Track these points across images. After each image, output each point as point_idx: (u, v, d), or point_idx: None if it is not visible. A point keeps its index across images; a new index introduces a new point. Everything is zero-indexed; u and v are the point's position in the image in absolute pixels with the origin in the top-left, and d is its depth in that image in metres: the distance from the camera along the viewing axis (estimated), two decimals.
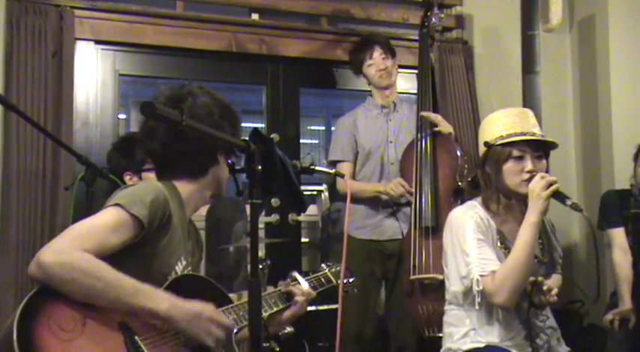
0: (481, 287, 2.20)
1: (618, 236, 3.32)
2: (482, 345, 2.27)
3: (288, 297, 2.06)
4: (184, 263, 1.87)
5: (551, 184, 2.17)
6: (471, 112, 4.08)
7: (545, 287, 2.20)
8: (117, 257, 1.68)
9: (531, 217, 2.18)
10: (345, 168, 3.42)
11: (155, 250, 1.77)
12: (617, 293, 3.27)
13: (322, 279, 2.24)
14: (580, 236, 4.44)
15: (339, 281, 2.25)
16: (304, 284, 2.11)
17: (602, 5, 4.23)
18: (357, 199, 3.37)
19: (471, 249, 2.24)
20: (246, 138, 1.57)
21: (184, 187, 1.90)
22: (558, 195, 2.20)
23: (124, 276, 1.64)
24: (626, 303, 3.16)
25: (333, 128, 3.69)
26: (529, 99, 3.98)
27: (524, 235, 2.19)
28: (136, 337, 1.65)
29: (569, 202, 2.18)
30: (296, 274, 2.13)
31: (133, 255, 1.72)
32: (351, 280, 2.34)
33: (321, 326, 3.47)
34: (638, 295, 2.70)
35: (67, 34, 3.30)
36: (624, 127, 4.12)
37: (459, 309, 2.36)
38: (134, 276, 1.67)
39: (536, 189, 2.17)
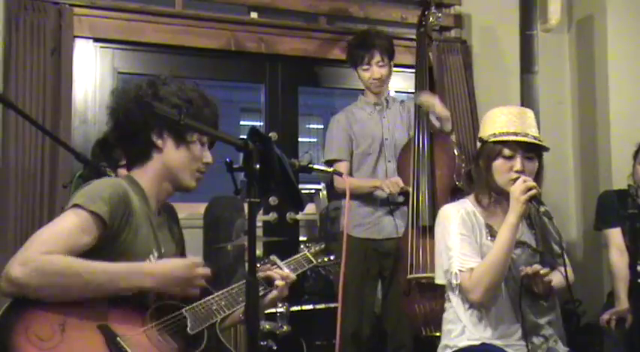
0: (458, 281, 2.26)
1: (615, 236, 3.32)
2: (477, 343, 2.28)
3: (268, 282, 2.04)
4: (156, 254, 1.84)
5: (530, 189, 2.19)
6: (469, 112, 4.09)
7: (541, 272, 2.21)
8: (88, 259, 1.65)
9: (510, 218, 2.22)
10: (342, 167, 3.42)
11: (121, 247, 1.74)
12: (614, 293, 3.28)
13: (302, 261, 2.23)
14: (577, 236, 4.46)
15: (319, 261, 2.27)
16: (284, 268, 2.10)
17: (601, 5, 4.24)
18: (354, 196, 3.37)
19: (454, 243, 2.29)
20: (245, 137, 1.57)
21: (141, 177, 1.87)
22: (535, 201, 2.22)
23: (97, 264, 1.62)
24: (623, 303, 3.17)
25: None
26: (527, 99, 3.99)
27: (503, 235, 2.23)
28: (118, 338, 1.63)
29: (542, 209, 2.21)
30: (275, 258, 2.12)
31: (99, 255, 1.68)
32: (331, 257, 2.35)
33: (318, 325, 3.48)
34: (635, 295, 2.70)
35: (65, 31, 3.30)
36: (622, 127, 4.13)
37: (454, 307, 2.37)
38: None
39: (516, 192, 2.21)
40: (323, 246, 2.35)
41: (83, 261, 1.61)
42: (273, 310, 2.08)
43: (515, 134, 2.29)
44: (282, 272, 2.06)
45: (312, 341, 3.55)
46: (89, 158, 2.47)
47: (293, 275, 2.09)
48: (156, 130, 1.84)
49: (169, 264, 1.78)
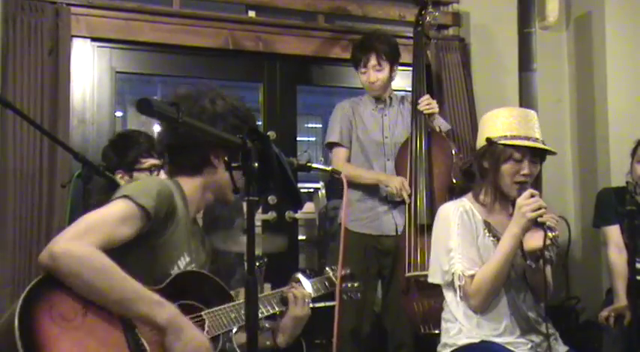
0: (460, 283, 2.27)
1: (613, 233, 3.33)
2: (477, 340, 2.29)
3: (285, 301, 2.06)
4: (187, 259, 1.87)
5: (539, 209, 2.18)
6: (468, 110, 4.09)
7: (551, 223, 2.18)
8: (122, 248, 1.69)
9: (514, 229, 2.22)
10: (342, 153, 3.44)
11: (159, 242, 1.78)
12: (613, 290, 3.29)
13: (326, 283, 2.25)
14: (576, 233, 4.45)
15: (342, 286, 2.26)
16: (307, 286, 2.11)
17: (599, 3, 4.23)
18: (353, 187, 3.37)
19: (455, 245, 2.30)
20: (243, 136, 1.57)
21: (186, 183, 1.92)
22: (543, 224, 2.19)
23: (130, 280, 1.64)
24: (622, 300, 3.17)
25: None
26: (525, 97, 3.98)
27: (505, 246, 2.23)
28: (136, 330, 1.65)
29: (550, 234, 2.17)
30: (300, 276, 2.13)
31: (138, 245, 1.73)
32: (355, 284, 2.35)
33: (318, 323, 3.47)
34: (633, 292, 2.71)
35: (63, 31, 3.29)
36: (621, 125, 4.12)
37: (450, 306, 2.37)
38: (137, 267, 1.68)
39: (523, 207, 2.19)
40: (349, 271, 2.35)
41: (121, 270, 1.63)
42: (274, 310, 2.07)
43: (527, 138, 2.31)
44: (300, 291, 2.07)
45: (312, 339, 3.54)
46: (88, 158, 2.46)
47: (311, 293, 2.12)
48: (214, 151, 1.89)
49: (199, 333, 1.73)
